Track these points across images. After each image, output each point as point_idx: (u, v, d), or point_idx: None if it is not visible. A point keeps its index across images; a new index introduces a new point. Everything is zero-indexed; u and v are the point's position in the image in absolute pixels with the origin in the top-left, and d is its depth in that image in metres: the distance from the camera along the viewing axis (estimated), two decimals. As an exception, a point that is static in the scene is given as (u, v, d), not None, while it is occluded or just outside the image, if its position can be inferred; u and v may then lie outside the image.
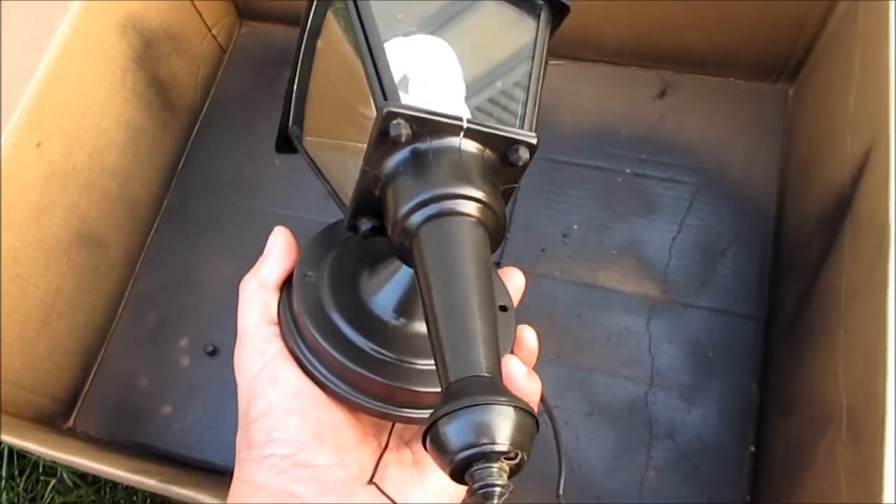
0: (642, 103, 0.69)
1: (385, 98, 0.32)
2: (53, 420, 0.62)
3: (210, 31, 0.72)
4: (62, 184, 0.57)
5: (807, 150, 0.62)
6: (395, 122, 0.31)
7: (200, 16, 0.70)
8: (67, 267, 0.60)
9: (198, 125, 0.73)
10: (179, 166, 0.72)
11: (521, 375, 0.35)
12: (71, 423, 0.63)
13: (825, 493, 0.46)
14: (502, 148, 0.33)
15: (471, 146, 0.33)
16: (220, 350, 0.64)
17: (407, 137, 0.31)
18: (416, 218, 0.31)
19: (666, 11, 0.65)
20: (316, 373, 0.35)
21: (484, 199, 0.32)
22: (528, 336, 0.38)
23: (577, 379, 0.61)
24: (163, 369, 0.64)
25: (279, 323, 0.37)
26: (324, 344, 0.34)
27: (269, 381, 0.34)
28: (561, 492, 0.35)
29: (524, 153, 0.34)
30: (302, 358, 0.35)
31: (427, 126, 0.32)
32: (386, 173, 0.33)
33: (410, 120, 0.31)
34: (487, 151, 0.33)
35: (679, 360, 0.61)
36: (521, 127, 0.35)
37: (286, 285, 0.38)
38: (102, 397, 0.64)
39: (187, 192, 0.71)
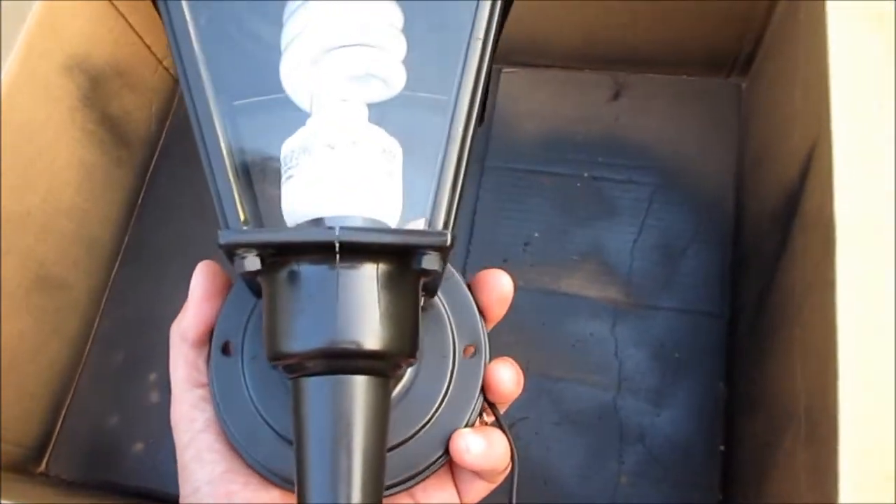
0: (597, 106, 0.69)
1: (226, 224, 0.27)
2: (25, 465, 0.62)
3: (161, 63, 0.71)
4: (16, 229, 0.57)
5: (759, 144, 0.62)
6: (239, 253, 0.26)
7: (150, 49, 0.69)
8: (28, 312, 0.60)
9: (155, 158, 0.73)
10: (139, 201, 0.71)
11: (476, 456, 0.31)
12: (43, 467, 0.63)
13: (788, 492, 0.46)
14: (401, 258, 0.27)
15: (355, 268, 0.26)
16: (189, 383, 0.63)
17: (263, 266, 0.27)
18: (291, 367, 0.27)
19: (610, 12, 0.65)
20: (244, 454, 0.31)
21: (373, 350, 0.26)
22: (500, 378, 0.33)
23: (545, 388, 0.61)
24: (133, 406, 0.64)
25: (209, 386, 0.33)
26: (242, 436, 0.31)
27: (196, 460, 0.31)
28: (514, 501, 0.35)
29: (433, 261, 0.27)
30: (229, 436, 0.32)
31: (288, 249, 0.27)
32: (259, 288, 0.29)
33: (259, 248, 0.26)
34: (382, 265, 0.27)
35: (646, 364, 0.61)
36: (432, 219, 0.28)
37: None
38: (74, 439, 0.64)
39: (148, 226, 0.71)
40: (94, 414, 0.64)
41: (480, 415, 0.34)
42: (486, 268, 0.59)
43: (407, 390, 0.33)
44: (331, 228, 0.26)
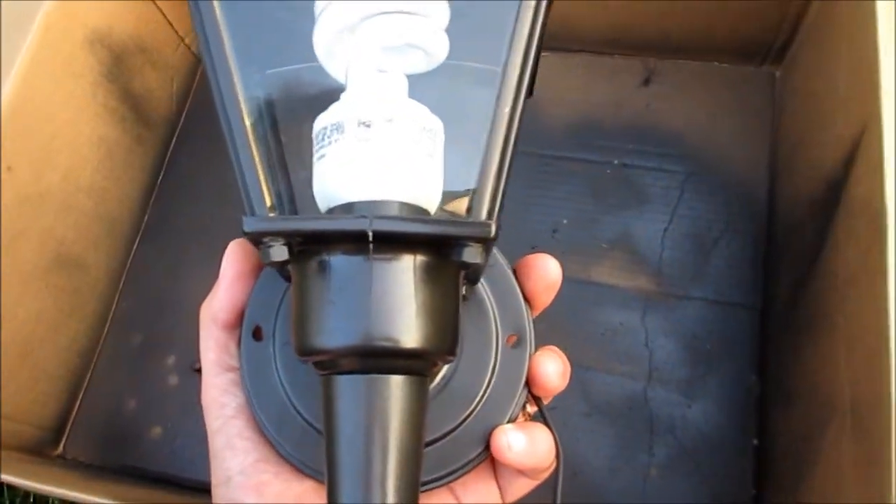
0: (627, 92, 0.68)
1: (252, 211, 0.26)
2: (42, 448, 0.60)
3: (183, 40, 0.70)
4: (35, 208, 0.56)
5: (796, 132, 0.61)
6: (265, 242, 0.25)
7: (171, 25, 0.68)
8: (47, 292, 0.58)
9: (175, 137, 0.71)
10: (158, 180, 0.70)
11: (518, 453, 0.29)
12: (60, 449, 0.62)
13: (832, 488, 0.45)
14: (440, 249, 0.25)
15: (391, 260, 0.25)
16: (208, 367, 0.62)
17: (291, 256, 0.25)
18: (322, 364, 0.26)
19: (646, -3, 0.64)
20: (275, 444, 0.30)
21: (410, 349, 0.25)
22: (546, 370, 0.31)
23: (574, 378, 0.59)
24: (151, 389, 0.63)
25: (241, 371, 0.31)
26: (273, 425, 0.30)
27: (228, 447, 0.30)
28: (559, 501, 0.33)
29: (474, 254, 0.25)
30: (261, 426, 0.30)
31: (318, 239, 0.25)
32: (287, 276, 0.28)
33: (286, 236, 0.25)
34: (419, 257, 0.25)
35: (677, 354, 0.59)
36: (474, 206, 0.26)
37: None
38: (91, 422, 0.63)
39: (168, 206, 0.70)
40: (112, 397, 0.63)
41: (523, 408, 0.32)
42: (513, 253, 0.56)
43: (447, 382, 0.31)
44: (363, 217, 0.24)
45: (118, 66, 0.62)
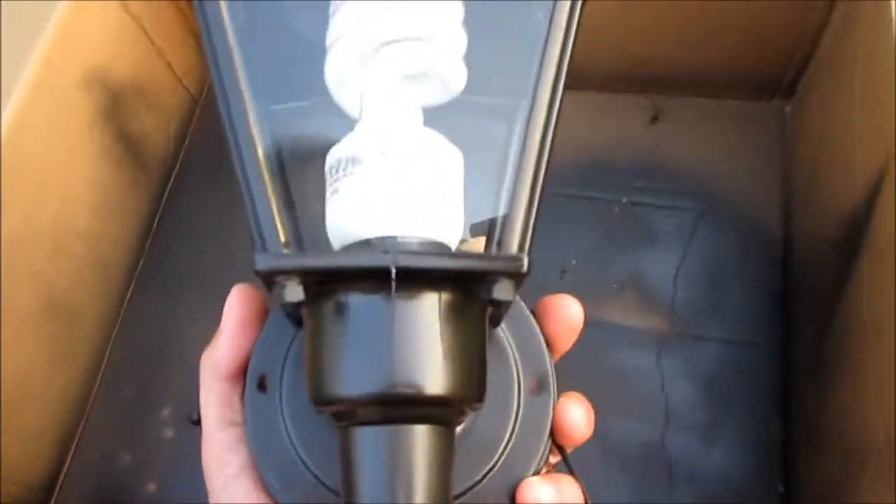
0: (635, 130, 0.67)
1: (263, 247, 0.24)
2: (30, 507, 0.57)
3: (181, 81, 0.69)
4: (25, 251, 0.54)
5: (809, 169, 0.60)
6: (279, 281, 0.23)
7: (170, 66, 0.67)
8: (36, 340, 0.56)
9: (172, 180, 0.70)
10: (154, 225, 0.68)
11: None
12: (49, 508, 0.59)
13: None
14: (467, 286, 0.24)
15: (414, 298, 0.23)
16: (205, 417, 0.60)
17: (307, 296, 0.23)
18: (339, 415, 0.24)
19: (651, 35, 0.63)
20: None
21: (436, 396, 0.23)
22: (572, 419, 0.29)
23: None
24: (145, 443, 0.60)
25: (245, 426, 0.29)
26: (281, 484, 0.28)
27: None
28: None
29: (505, 290, 0.23)
30: (268, 485, 0.28)
31: (336, 277, 0.23)
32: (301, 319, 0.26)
33: (302, 274, 0.23)
34: (444, 295, 0.23)
35: (694, 398, 0.57)
36: (503, 239, 0.24)
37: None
38: (82, 479, 0.60)
39: (164, 251, 0.67)
40: (105, 451, 0.60)
41: (546, 459, 0.30)
42: (522, 294, 0.53)
43: (467, 432, 0.29)
44: (386, 252, 0.22)
45: (115, 106, 0.61)
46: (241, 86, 0.25)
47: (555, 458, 0.32)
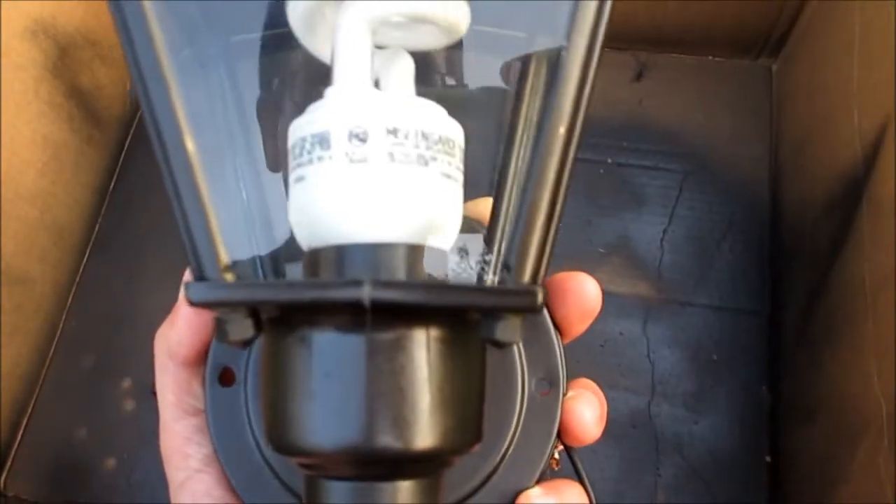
0: (619, 87, 0.64)
1: (200, 274, 0.19)
2: (-21, 485, 0.54)
3: (136, 32, 0.64)
4: (-30, 215, 0.50)
5: (801, 128, 0.57)
6: (222, 315, 0.19)
7: (124, 16, 0.62)
8: (-16, 309, 0.52)
9: (129, 138, 0.65)
10: (111, 186, 0.64)
11: None
12: (0, 485, 0.55)
13: (868, 508, 0.41)
14: (465, 322, 0.20)
15: (395, 335, 0.19)
16: (169, 390, 0.56)
17: (257, 331, 0.19)
18: (311, 467, 0.20)
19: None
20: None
21: (420, 451, 0.19)
22: (582, 419, 0.25)
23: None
24: (104, 417, 0.57)
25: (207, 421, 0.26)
26: (244, 487, 0.25)
27: None
28: None
29: (510, 331, 0.19)
30: (231, 483, 0.25)
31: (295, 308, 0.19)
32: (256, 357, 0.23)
33: (250, 306, 0.19)
34: (434, 330, 0.19)
35: (681, 366, 0.55)
36: (511, 261, 0.19)
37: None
38: (35, 454, 0.56)
39: (121, 214, 0.64)
40: (60, 426, 0.57)
41: (551, 455, 0.27)
42: None
43: None
44: (356, 283, 0.17)
45: (63, 59, 0.56)
46: (158, 43, 0.20)
47: (560, 448, 0.29)
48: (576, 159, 0.19)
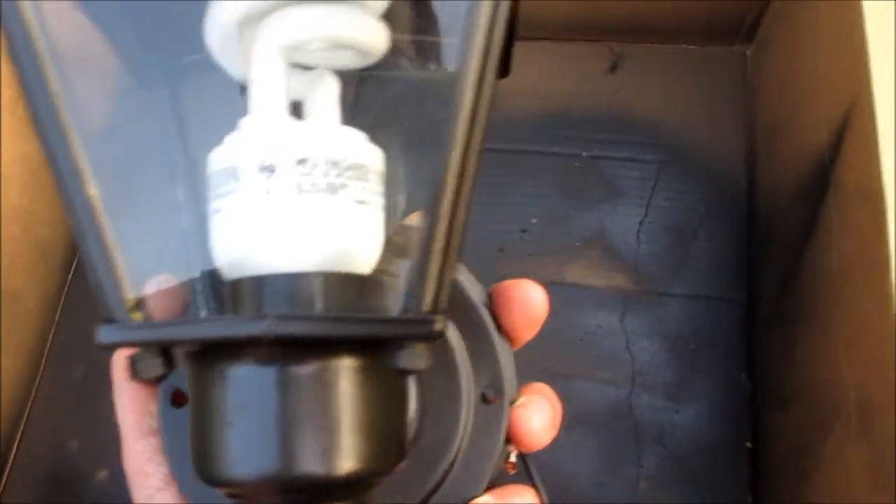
0: (593, 79, 0.64)
1: (108, 315, 0.19)
2: (-24, 499, 0.55)
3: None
4: (-48, 236, 0.50)
5: (773, 114, 0.58)
6: (135, 355, 0.20)
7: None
8: (-29, 328, 0.53)
9: (110, 151, 0.66)
10: (94, 198, 0.65)
11: None
12: (-3, 499, 0.56)
13: (839, 493, 0.42)
14: (380, 346, 0.20)
15: (309, 366, 0.19)
16: (158, 398, 0.57)
17: (169, 368, 0.20)
18: (237, 496, 0.21)
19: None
20: None
21: (338, 477, 0.19)
22: (529, 427, 0.26)
23: (553, 387, 0.56)
24: (96, 428, 0.57)
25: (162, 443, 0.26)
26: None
27: None
28: None
29: (414, 358, 0.20)
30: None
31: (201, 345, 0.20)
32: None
33: (159, 346, 0.20)
34: (346, 359, 0.20)
35: (660, 356, 0.56)
36: (414, 289, 0.19)
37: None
38: (30, 467, 0.57)
39: (106, 225, 0.64)
40: (53, 438, 0.58)
41: (507, 457, 0.27)
42: (480, 257, 0.47)
43: (408, 449, 0.26)
44: (259, 318, 0.18)
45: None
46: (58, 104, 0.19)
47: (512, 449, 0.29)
48: (475, 184, 0.19)
